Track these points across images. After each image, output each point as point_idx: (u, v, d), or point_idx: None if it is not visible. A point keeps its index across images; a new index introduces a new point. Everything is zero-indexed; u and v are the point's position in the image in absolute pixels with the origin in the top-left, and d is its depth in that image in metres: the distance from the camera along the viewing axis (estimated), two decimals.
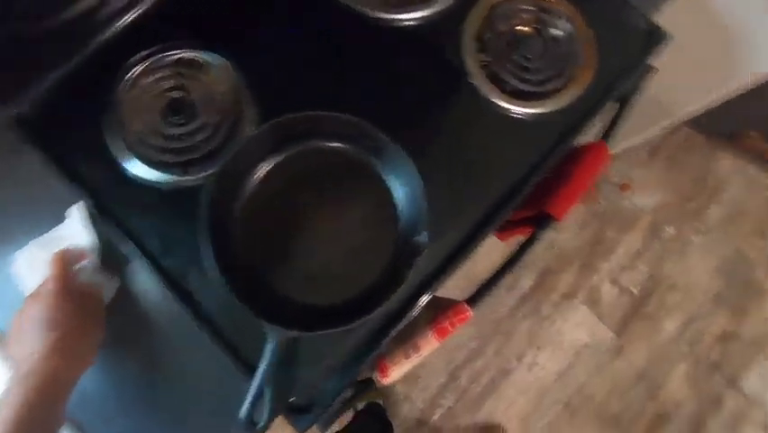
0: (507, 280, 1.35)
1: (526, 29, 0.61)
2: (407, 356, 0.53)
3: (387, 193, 0.50)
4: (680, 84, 0.79)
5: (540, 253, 1.36)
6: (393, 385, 1.24)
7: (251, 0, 0.61)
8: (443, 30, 0.60)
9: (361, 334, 0.51)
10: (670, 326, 1.34)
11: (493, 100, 0.58)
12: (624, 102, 0.63)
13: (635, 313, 1.34)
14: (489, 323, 1.31)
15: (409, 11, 0.59)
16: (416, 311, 0.52)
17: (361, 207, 0.51)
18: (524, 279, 1.34)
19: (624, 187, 1.39)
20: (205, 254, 0.45)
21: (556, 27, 0.60)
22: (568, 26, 0.60)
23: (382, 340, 0.51)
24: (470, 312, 0.56)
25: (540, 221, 0.60)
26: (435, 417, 1.23)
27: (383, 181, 0.50)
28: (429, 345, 0.54)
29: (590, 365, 1.30)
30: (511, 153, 0.58)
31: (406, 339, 0.54)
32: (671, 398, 1.29)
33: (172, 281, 0.51)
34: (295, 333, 0.43)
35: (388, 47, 0.60)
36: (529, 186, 0.56)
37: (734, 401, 1.30)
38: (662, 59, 0.64)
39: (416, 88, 0.59)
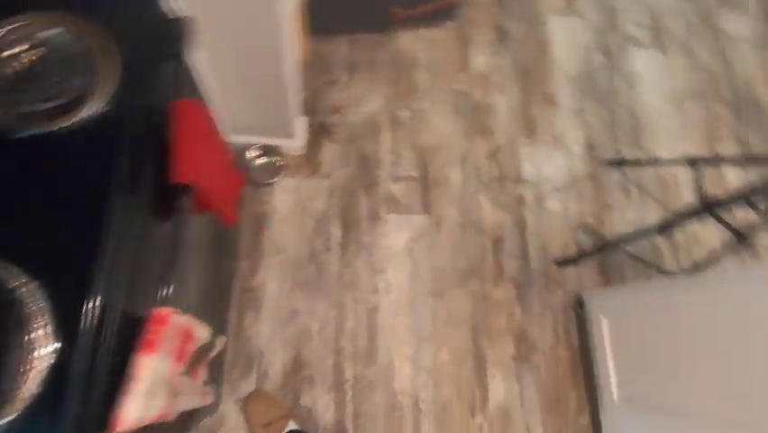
0: (319, 242, 1.39)
1: (26, 59, 0.60)
2: (127, 391, 0.51)
3: None
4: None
5: (327, 204, 1.43)
6: (296, 401, 1.21)
7: None
8: None
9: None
10: (454, 176, 1.54)
11: (46, 131, 0.56)
12: (177, 59, 0.67)
13: (426, 188, 1.51)
14: (332, 287, 1.35)
15: None
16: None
17: None
18: (332, 233, 1.41)
19: (336, 109, 1.52)
20: None
21: (49, 40, 0.60)
22: (59, 31, 0.61)
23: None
24: (166, 311, 0.56)
25: (178, 193, 0.62)
26: (349, 394, 1.25)
27: None
28: (143, 365, 0.52)
29: (426, 250, 1.43)
30: (97, 162, 0.57)
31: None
32: (493, 223, 1.49)
33: None
34: None
35: None
36: (127, 168, 0.56)
37: (528, 191, 1.56)
38: None
39: None
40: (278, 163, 1.42)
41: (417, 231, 1.45)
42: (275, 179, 1.41)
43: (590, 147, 1.66)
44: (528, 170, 1.59)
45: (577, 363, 1.38)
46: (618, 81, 1.78)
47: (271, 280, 1.33)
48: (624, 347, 1.21)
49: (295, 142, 1.44)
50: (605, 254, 1.51)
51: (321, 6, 1.42)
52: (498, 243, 1.48)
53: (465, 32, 1.75)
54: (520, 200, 1.55)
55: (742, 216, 1.08)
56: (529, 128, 1.65)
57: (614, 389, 1.22)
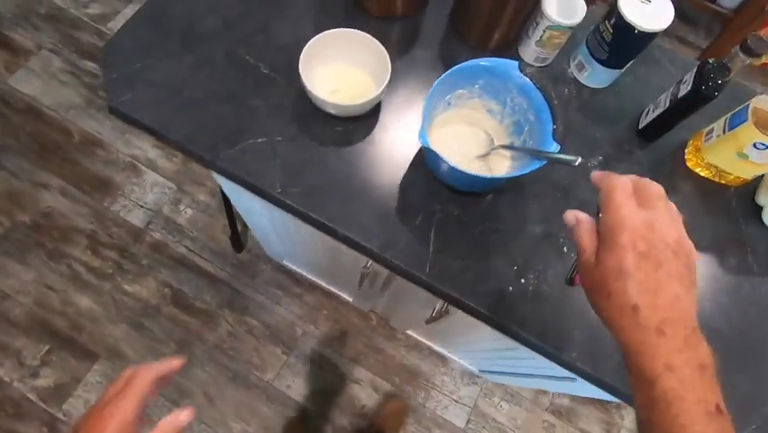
0: None
1: None
2: None
3: None
4: None
5: None
6: None
7: None
8: None
9: None
10: (82, 303, 1.30)
11: None
12: None
13: (71, 344, 1.26)
14: None
15: None
16: None
17: None
18: None
19: None
20: None
21: None
22: None
23: None
24: None
25: None
26: None
27: None
28: None
29: None
30: None
31: None
32: (156, 292, 1.31)
33: None
34: None
35: None
36: None
37: (156, 230, 1.38)
38: None
39: None
40: None
41: (107, 380, 1.22)
42: None
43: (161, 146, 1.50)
44: (137, 216, 1.40)
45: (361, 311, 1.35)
46: None
47: None
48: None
49: None
50: None
51: None
52: (177, 298, 1.32)
53: None
54: (158, 245, 1.37)
55: None
56: (103, 186, 1.43)
57: None
